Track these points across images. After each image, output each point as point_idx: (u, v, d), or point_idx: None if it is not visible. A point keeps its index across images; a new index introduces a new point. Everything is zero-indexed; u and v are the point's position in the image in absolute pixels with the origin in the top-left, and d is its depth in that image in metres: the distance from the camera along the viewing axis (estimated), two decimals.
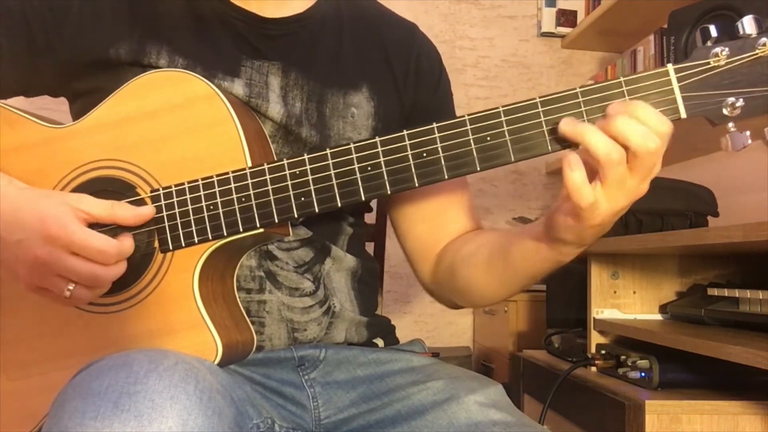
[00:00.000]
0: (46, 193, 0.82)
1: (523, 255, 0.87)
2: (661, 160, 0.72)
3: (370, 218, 1.17)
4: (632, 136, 0.70)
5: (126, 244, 0.81)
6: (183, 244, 0.83)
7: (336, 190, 0.80)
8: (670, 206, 1.58)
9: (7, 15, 0.91)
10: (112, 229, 0.83)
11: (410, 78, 1.02)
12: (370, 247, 1.22)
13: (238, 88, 0.91)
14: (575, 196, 0.72)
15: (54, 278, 0.78)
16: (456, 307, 1.07)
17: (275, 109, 0.92)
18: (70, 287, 0.78)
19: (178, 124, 0.84)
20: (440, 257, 1.01)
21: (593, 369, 1.53)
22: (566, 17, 2.79)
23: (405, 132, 0.79)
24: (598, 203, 0.72)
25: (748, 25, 0.71)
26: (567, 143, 0.74)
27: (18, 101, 0.98)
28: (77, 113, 0.94)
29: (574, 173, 0.71)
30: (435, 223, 1.02)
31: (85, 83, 0.93)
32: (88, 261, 0.78)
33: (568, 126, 0.73)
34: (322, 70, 0.96)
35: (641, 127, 0.70)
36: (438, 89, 1.05)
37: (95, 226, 0.82)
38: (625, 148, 0.70)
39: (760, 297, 1.21)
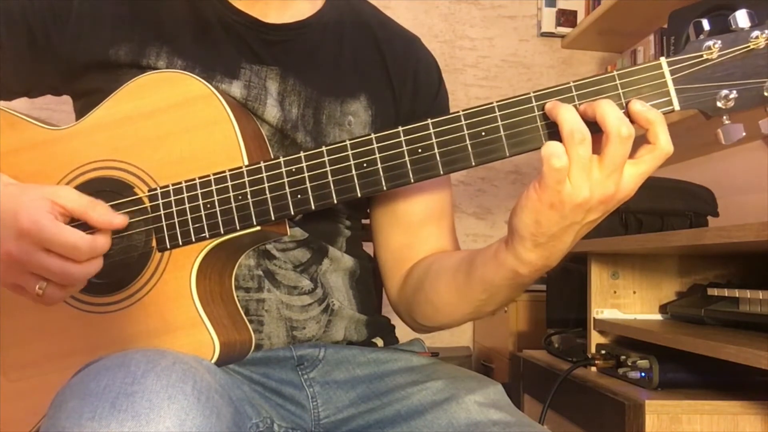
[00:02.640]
0: (29, 187, 0.80)
1: (483, 259, 0.84)
2: (634, 171, 0.72)
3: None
4: (609, 117, 0.69)
5: (100, 239, 0.79)
6: (180, 243, 0.83)
7: (332, 187, 0.80)
8: (670, 206, 1.58)
9: (8, 16, 0.91)
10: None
11: (407, 89, 1.01)
12: (369, 247, 1.22)
13: (236, 89, 0.91)
14: (546, 154, 0.70)
15: (26, 275, 0.77)
16: (419, 329, 1.02)
17: (272, 112, 0.92)
18: (43, 285, 0.77)
19: (176, 123, 0.84)
20: (410, 271, 0.99)
21: (593, 369, 1.53)
22: (566, 17, 2.79)
23: (400, 128, 0.79)
24: (563, 175, 0.70)
25: (741, 18, 0.71)
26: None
27: (20, 101, 0.98)
28: (80, 112, 0.95)
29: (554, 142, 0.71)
30: (413, 237, 1.00)
31: (84, 84, 0.93)
32: (60, 257, 0.76)
33: (549, 104, 0.74)
34: (320, 77, 0.96)
35: (620, 112, 0.70)
36: (435, 102, 1.04)
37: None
38: (603, 130, 0.70)
39: (760, 297, 1.21)
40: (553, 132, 0.74)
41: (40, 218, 0.76)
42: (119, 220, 0.81)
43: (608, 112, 0.70)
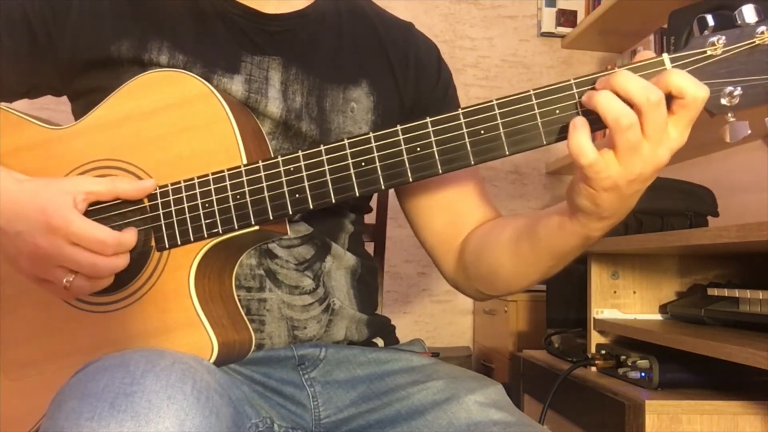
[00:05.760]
0: (45, 182, 0.82)
1: (548, 231, 0.84)
2: (679, 121, 0.70)
3: (369, 218, 1.16)
4: (633, 88, 0.68)
5: (127, 236, 0.82)
6: (179, 243, 0.83)
7: (330, 186, 0.80)
8: (670, 206, 1.58)
9: (9, 15, 0.91)
10: (118, 224, 0.84)
11: (410, 74, 1.02)
12: (370, 247, 1.22)
13: (238, 84, 0.91)
14: (573, 154, 0.70)
15: (54, 269, 0.79)
16: (483, 298, 1.04)
17: (274, 104, 0.92)
18: (70, 278, 0.79)
19: (175, 123, 0.84)
20: (464, 246, 0.99)
21: (593, 369, 1.53)
22: (566, 17, 2.79)
23: (399, 127, 0.79)
24: (603, 165, 0.70)
25: (747, 13, 0.69)
26: (562, 135, 0.74)
27: (20, 101, 0.98)
28: (78, 112, 0.95)
29: (576, 132, 0.70)
30: (453, 213, 1.01)
31: (85, 82, 0.93)
32: (88, 251, 0.78)
33: (586, 97, 0.72)
34: (321, 65, 0.97)
35: (641, 80, 0.69)
36: (438, 83, 1.05)
37: (99, 214, 0.83)
38: (630, 104, 0.68)
39: (760, 297, 1.21)
40: (553, 130, 0.74)
41: (68, 214, 0.78)
42: (148, 183, 0.84)
43: (630, 84, 0.68)
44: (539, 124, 0.74)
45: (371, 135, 0.79)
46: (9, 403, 0.86)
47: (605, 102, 0.69)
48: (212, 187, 0.82)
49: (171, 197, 0.83)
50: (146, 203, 0.84)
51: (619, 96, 0.69)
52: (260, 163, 0.81)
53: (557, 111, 0.74)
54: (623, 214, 0.78)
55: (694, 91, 0.68)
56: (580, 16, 2.76)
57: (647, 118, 0.68)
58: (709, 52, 0.71)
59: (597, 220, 0.77)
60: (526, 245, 0.88)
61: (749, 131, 0.71)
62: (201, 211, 0.82)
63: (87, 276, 0.80)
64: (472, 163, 0.77)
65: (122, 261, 0.81)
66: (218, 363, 0.80)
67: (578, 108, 0.73)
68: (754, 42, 0.70)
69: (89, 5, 0.92)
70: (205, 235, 0.82)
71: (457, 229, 1.01)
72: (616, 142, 0.69)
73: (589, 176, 0.71)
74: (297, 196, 0.81)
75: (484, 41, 2.80)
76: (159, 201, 0.83)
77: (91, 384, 0.63)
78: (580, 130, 0.70)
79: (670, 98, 0.69)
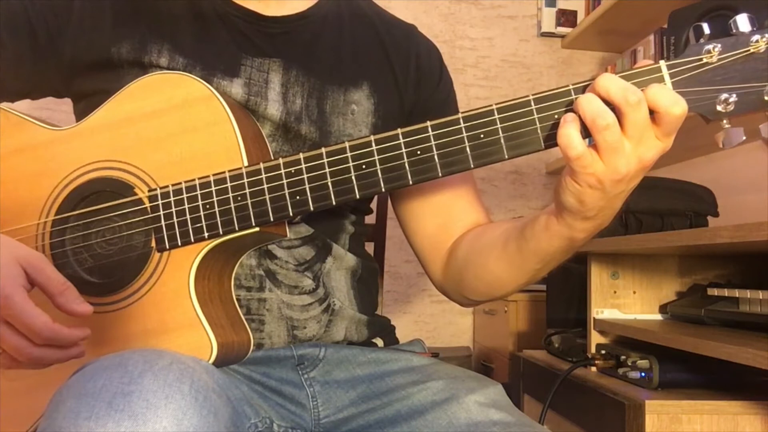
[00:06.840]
0: (2, 244, 0.76)
1: (534, 232, 0.84)
2: (657, 130, 0.71)
3: (370, 218, 1.16)
4: (612, 89, 0.69)
5: (63, 332, 0.75)
6: (179, 244, 0.83)
7: (331, 189, 0.80)
8: (670, 206, 1.58)
9: (10, 16, 0.91)
10: (119, 224, 0.84)
11: (411, 77, 1.02)
12: (370, 247, 1.22)
13: (237, 87, 0.91)
14: (562, 146, 0.71)
15: None
16: (469, 304, 1.04)
17: (274, 107, 0.92)
18: None
19: (176, 124, 0.84)
20: (452, 251, 1.00)
21: (593, 369, 1.53)
22: (566, 17, 2.79)
23: (399, 130, 0.79)
24: (590, 160, 0.70)
25: (741, 22, 0.71)
26: None
27: (21, 102, 0.98)
28: (80, 114, 0.95)
29: (565, 125, 0.71)
30: (444, 217, 1.01)
31: (86, 84, 0.93)
32: (18, 334, 0.73)
33: (574, 102, 0.73)
34: (322, 67, 0.97)
35: (621, 81, 0.70)
36: (439, 86, 1.05)
37: (100, 214, 0.83)
38: (611, 106, 0.69)
39: (760, 297, 1.21)
40: (551, 135, 0.74)
41: (13, 294, 0.72)
42: (82, 309, 0.76)
43: (609, 85, 0.69)
44: (538, 129, 0.75)
45: (372, 138, 0.79)
46: (7, 403, 0.86)
47: (584, 103, 0.70)
48: (213, 188, 0.82)
49: (172, 198, 0.83)
50: (147, 204, 0.84)
51: (601, 97, 0.70)
52: (261, 165, 0.81)
53: (556, 116, 0.74)
54: (608, 217, 0.78)
55: (667, 106, 0.69)
56: (580, 16, 2.77)
57: (627, 118, 0.69)
58: (704, 60, 0.72)
59: (581, 220, 0.77)
60: (513, 247, 0.88)
61: (744, 138, 0.73)
62: (201, 213, 0.82)
63: (9, 357, 0.75)
64: (472, 166, 0.77)
65: (54, 355, 0.75)
66: (217, 364, 0.80)
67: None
68: (748, 50, 0.71)
69: (90, 7, 0.92)
70: (206, 236, 0.82)
71: (448, 232, 1.01)
72: (597, 141, 0.70)
73: (575, 170, 0.72)
74: (298, 198, 0.81)
75: (484, 41, 2.80)
76: (160, 202, 0.83)
77: (89, 384, 0.63)
78: (569, 123, 0.71)
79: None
